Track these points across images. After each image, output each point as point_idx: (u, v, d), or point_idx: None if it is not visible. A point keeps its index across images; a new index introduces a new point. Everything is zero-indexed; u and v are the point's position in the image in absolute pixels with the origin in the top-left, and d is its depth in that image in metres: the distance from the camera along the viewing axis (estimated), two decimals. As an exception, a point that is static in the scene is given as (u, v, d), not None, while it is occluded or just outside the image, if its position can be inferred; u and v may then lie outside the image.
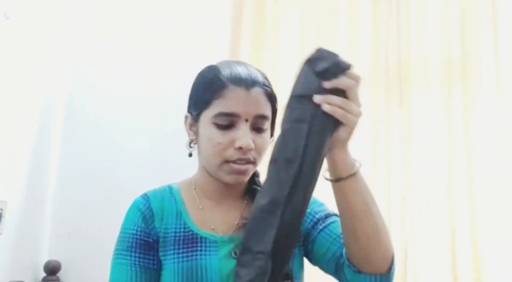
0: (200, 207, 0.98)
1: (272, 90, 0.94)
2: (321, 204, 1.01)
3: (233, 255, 0.92)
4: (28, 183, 2.15)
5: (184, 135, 0.99)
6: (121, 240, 0.95)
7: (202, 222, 0.95)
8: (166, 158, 2.12)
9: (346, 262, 0.88)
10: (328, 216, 0.98)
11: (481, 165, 1.93)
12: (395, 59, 2.13)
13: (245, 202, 1.00)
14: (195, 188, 1.00)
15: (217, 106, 0.89)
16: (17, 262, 2.07)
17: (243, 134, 0.89)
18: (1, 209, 1.95)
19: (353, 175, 0.83)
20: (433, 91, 2.06)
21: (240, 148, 0.89)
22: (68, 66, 2.39)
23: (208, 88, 0.91)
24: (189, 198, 0.99)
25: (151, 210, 0.95)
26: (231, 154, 0.90)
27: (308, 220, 0.98)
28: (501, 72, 1.99)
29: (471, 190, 1.93)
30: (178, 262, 0.91)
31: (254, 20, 2.27)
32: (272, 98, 0.94)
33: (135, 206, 0.97)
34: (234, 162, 0.90)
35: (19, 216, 2.07)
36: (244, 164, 0.90)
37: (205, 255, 0.92)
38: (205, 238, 0.93)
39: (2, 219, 1.96)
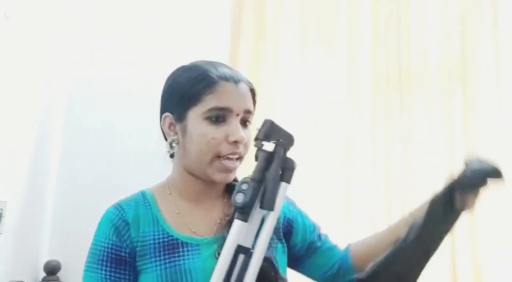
0: (177, 211, 0.95)
1: (253, 86, 0.97)
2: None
3: (216, 256, 0.90)
4: (28, 183, 2.14)
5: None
6: (92, 252, 0.93)
7: (181, 227, 0.93)
8: (167, 158, 2.11)
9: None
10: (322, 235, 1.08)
11: (481, 165, 1.93)
12: (395, 60, 2.13)
13: (225, 200, 0.99)
14: (170, 193, 0.98)
15: (209, 102, 0.90)
16: (17, 262, 2.07)
17: (236, 129, 0.90)
18: (1, 209, 1.95)
19: None
20: (433, 91, 2.06)
21: (235, 142, 0.89)
22: (68, 66, 2.39)
23: (196, 84, 0.91)
24: (164, 203, 0.96)
25: (125, 220, 0.91)
26: (224, 148, 0.90)
27: (312, 232, 1.06)
28: (501, 72, 1.99)
29: (471, 190, 1.93)
30: (161, 269, 0.88)
31: (254, 20, 2.27)
32: (254, 94, 0.97)
33: (107, 217, 0.94)
34: (225, 157, 0.90)
35: (19, 216, 2.07)
36: (234, 160, 0.91)
37: (188, 259, 0.89)
38: (187, 242, 0.91)
39: (2, 219, 1.96)
